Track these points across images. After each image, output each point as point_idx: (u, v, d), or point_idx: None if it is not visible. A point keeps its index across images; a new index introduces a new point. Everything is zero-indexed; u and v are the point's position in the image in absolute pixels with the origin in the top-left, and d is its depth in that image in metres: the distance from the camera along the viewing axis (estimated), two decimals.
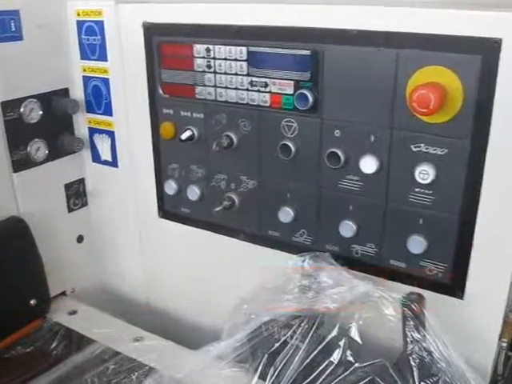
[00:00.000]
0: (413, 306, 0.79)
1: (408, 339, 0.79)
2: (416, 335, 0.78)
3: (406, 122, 0.80)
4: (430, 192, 0.81)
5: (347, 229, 0.90)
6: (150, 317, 1.25)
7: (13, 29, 1.00)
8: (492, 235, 0.79)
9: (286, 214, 0.95)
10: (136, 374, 0.97)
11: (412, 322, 0.79)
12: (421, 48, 0.76)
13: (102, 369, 0.99)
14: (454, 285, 0.84)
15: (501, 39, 0.71)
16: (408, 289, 0.86)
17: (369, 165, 0.84)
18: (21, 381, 0.98)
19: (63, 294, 1.23)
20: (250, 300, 0.91)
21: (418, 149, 0.80)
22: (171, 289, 1.21)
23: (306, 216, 0.94)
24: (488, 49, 0.72)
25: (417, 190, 0.82)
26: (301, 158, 0.91)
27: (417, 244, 0.84)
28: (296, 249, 0.96)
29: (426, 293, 0.84)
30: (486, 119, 0.74)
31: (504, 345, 0.85)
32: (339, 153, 0.86)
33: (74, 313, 1.17)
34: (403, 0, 0.82)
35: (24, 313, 1.09)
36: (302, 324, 0.85)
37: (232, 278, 1.07)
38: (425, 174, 0.80)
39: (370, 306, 0.83)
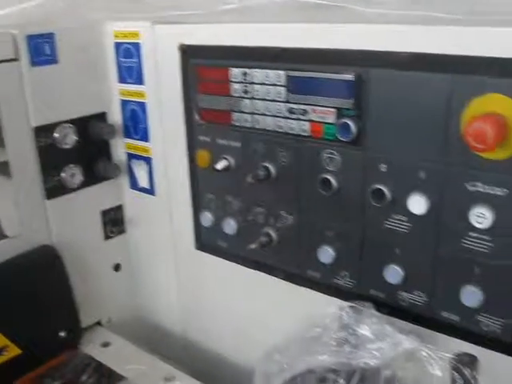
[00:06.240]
0: (464, 370, 0.68)
1: None
2: None
3: (460, 157, 0.70)
4: (488, 238, 0.71)
5: (393, 274, 0.80)
6: (186, 350, 1.19)
7: (48, 52, 0.96)
8: None
9: (327, 254, 0.86)
10: None
11: None
12: (480, 73, 0.66)
13: None
14: None
15: None
16: (461, 345, 0.75)
17: (418, 204, 0.74)
18: None
19: (99, 323, 1.19)
20: (284, 349, 0.83)
21: (474, 188, 0.70)
22: (207, 322, 1.14)
23: (349, 257, 0.85)
24: None
25: (472, 234, 0.72)
26: (343, 194, 0.82)
27: (471, 296, 0.73)
28: (337, 291, 0.88)
29: (482, 351, 0.73)
30: None
31: None
32: (385, 190, 0.77)
33: (107, 345, 1.12)
34: (462, 19, 0.73)
35: (53, 344, 1.05)
36: (339, 379, 0.76)
37: (269, 317, 0.99)
38: (482, 217, 0.70)
39: (415, 365, 0.74)
